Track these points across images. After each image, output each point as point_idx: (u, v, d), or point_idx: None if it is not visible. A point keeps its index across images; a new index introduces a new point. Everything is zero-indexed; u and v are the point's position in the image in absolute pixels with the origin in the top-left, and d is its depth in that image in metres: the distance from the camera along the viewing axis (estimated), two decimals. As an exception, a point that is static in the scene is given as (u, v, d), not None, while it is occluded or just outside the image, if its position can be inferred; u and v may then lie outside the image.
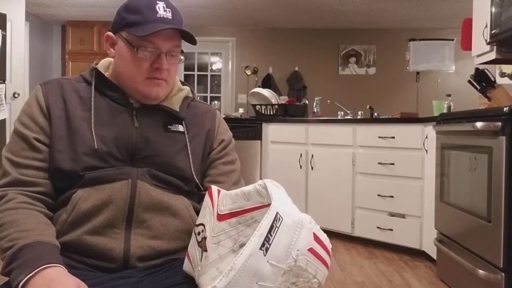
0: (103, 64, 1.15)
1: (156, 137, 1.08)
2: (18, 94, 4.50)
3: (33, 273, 0.83)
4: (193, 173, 1.09)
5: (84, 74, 1.13)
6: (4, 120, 4.01)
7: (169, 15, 1.05)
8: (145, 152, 1.06)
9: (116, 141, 1.04)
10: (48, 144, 1.02)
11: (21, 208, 0.96)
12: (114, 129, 1.05)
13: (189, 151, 1.10)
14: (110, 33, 1.10)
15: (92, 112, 1.05)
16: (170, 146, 1.08)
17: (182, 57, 1.10)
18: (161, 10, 1.04)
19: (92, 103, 1.06)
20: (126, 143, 1.05)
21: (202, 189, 1.14)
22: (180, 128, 1.12)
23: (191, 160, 1.10)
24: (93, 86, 1.09)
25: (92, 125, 1.04)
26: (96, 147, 1.02)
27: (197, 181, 1.11)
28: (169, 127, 1.11)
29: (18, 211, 0.95)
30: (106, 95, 1.09)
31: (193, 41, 1.08)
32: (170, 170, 1.07)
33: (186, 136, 1.11)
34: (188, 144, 1.11)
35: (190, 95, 1.20)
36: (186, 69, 6.74)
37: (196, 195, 1.15)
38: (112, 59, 1.14)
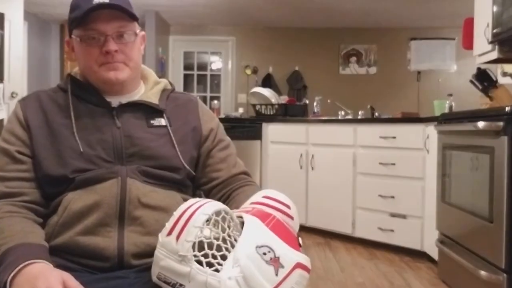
0: (77, 72, 1.16)
1: (139, 134, 1.08)
2: (17, 94, 4.48)
3: (15, 271, 0.84)
4: (182, 160, 1.10)
5: (60, 84, 1.15)
6: (2, 120, 4.00)
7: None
8: (131, 150, 1.06)
9: (101, 143, 1.05)
10: (31, 155, 1.04)
11: (6, 217, 0.97)
12: (97, 132, 1.06)
13: (174, 141, 1.10)
14: (67, 38, 1.12)
15: (72, 118, 1.06)
16: (155, 140, 1.09)
17: (134, 36, 1.08)
18: None
19: (71, 108, 1.08)
20: (111, 144, 1.06)
21: (201, 181, 1.18)
22: (162, 121, 1.13)
23: (177, 150, 1.10)
24: (69, 92, 1.10)
25: (74, 130, 1.05)
26: (81, 150, 1.03)
27: (189, 168, 1.12)
28: (151, 122, 1.11)
29: (3, 220, 0.96)
30: (84, 99, 1.10)
31: (133, 16, 1.07)
32: (158, 162, 1.07)
33: (169, 128, 1.12)
34: (172, 134, 1.11)
35: (169, 87, 1.20)
36: (185, 68, 6.72)
37: (190, 187, 1.17)
38: None
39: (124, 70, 1.08)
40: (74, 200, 1.00)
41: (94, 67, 1.06)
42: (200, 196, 1.23)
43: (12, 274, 0.83)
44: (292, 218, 0.95)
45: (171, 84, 1.22)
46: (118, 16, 1.05)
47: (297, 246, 0.88)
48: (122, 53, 1.06)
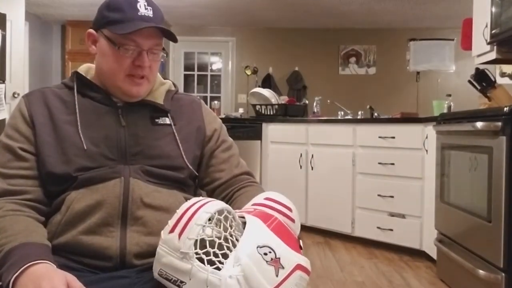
0: (83, 70, 1.16)
1: (144, 133, 1.09)
2: (18, 94, 4.50)
3: (19, 272, 0.84)
4: (185, 160, 1.11)
5: (65, 81, 1.14)
6: (4, 120, 4.01)
7: (150, 13, 1.05)
8: (135, 148, 1.07)
9: (106, 141, 1.05)
10: (34, 152, 1.04)
11: (9, 216, 0.96)
12: (102, 130, 1.06)
13: (178, 141, 1.11)
14: (91, 30, 1.10)
15: (77, 114, 1.06)
16: (159, 139, 1.10)
17: (164, 54, 1.12)
18: (142, 8, 1.05)
19: (76, 105, 1.07)
20: (116, 142, 1.06)
21: (204, 181, 1.19)
22: (167, 120, 1.14)
23: (181, 149, 1.11)
24: (75, 89, 1.10)
25: (79, 127, 1.05)
26: (85, 147, 1.03)
27: (192, 168, 1.12)
28: (156, 120, 1.12)
29: (5, 218, 0.96)
30: (89, 97, 1.10)
31: (174, 39, 1.09)
32: (162, 162, 1.08)
33: (173, 127, 1.13)
34: (176, 134, 1.12)
35: (173, 88, 1.21)
36: (186, 69, 6.73)
37: (192, 187, 1.18)
38: (92, 64, 1.15)
39: (145, 86, 1.09)
40: (77, 199, 1.00)
41: (120, 76, 1.06)
42: (201, 196, 1.25)
43: (15, 275, 0.83)
44: (293, 220, 0.95)
45: (174, 85, 1.23)
46: (157, 34, 1.06)
47: (298, 248, 0.88)
48: (150, 68, 1.07)
